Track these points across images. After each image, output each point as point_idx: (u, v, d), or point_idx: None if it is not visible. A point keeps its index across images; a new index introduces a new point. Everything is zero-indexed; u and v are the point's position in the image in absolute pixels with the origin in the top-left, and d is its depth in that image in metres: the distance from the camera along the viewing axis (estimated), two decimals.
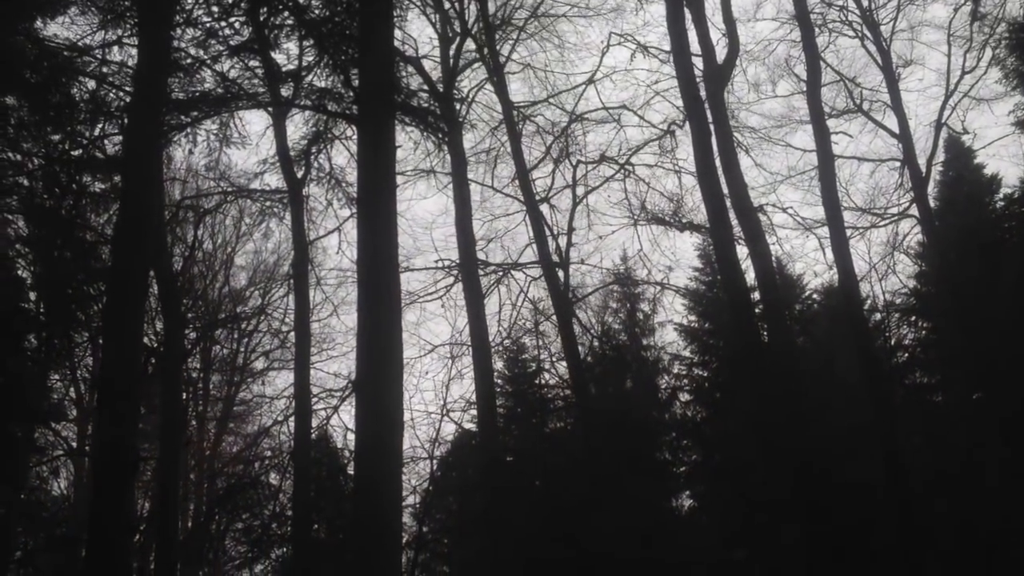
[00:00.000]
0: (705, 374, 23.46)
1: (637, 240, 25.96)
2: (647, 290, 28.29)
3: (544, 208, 20.61)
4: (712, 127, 16.61)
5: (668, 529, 17.30)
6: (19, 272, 16.05)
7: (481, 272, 20.11)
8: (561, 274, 19.97)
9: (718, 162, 16.44)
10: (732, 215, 16.52)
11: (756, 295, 17.59)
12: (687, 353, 24.37)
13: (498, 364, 19.58)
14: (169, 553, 17.40)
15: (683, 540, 17.06)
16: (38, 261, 16.50)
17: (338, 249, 21.23)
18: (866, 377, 16.85)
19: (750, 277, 16.95)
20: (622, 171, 20.99)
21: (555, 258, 20.06)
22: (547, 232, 20.06)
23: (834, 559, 12.81)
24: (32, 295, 16.40)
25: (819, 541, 13.21)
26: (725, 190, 16.53)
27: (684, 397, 23.52)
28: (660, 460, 21.01)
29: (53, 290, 16.42)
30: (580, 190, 20.96)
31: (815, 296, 24.40)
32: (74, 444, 20.74)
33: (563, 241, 20.17)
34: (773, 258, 17.76)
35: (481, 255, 20.47)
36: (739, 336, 16.57)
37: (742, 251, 16.49)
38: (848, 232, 19.36)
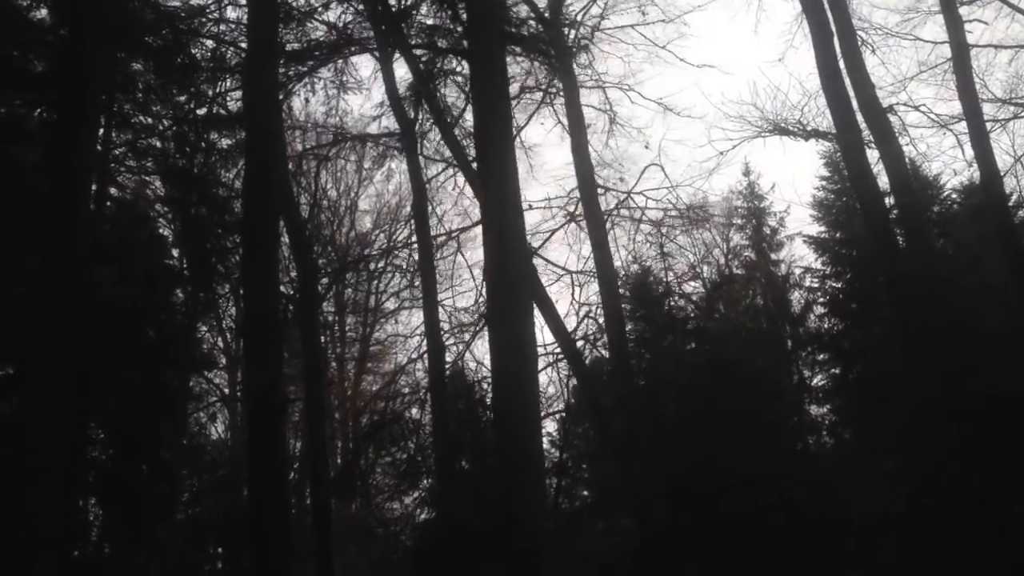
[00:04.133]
0: (839, 285, 22.74)
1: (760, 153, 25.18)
2: (773, 204, 27.60)
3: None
4: (833, 26, 15.83)
5: (809, 445, 17.03)
6: (161, 231, 16.82)
7: (601, 197, 19.93)
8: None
9: (841, 64, 15.69)
10: (859, 118, 15.85)
11: (890, 200, 16.83)
12: (818, 265, 23.66)
13: (624, 289, 19.47)
14: (322, 489, 18.27)
15: (826, 455, 16.78)
16: (177, 219, 17.24)
17: (455, 186, 21.37)
18: (1015, 279, 16.02)
19: (882, 181, 16.22)
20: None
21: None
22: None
23: (987, 464, 12.38)
24: (175, 252, 17.20)
25: (970, 448, 12.78)
26: (851, 92, 15.83)
27: (818, 310, 22.91)
28: (798, 376, 20.61)
29: (193, 246, 17.19)
30: None
31: (954, 196, 23.17)
32: (226, 391, 21.86)
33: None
34: (906, 159, 16.94)
35: (600, 181, 20.25)
36: (874, 243, 15.99)
37: (872, 155, 15.79)
38: (988, 125, 18.20)
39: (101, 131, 13.67)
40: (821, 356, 21.83)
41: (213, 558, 19.14)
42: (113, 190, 15.32)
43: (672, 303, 16.74)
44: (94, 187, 12.92)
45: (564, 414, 14.87)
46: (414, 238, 20.64)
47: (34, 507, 9.63)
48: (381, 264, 24.69)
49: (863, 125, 15.69)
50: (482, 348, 18.74)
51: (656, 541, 11.46)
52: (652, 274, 19.34)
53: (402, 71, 18.99)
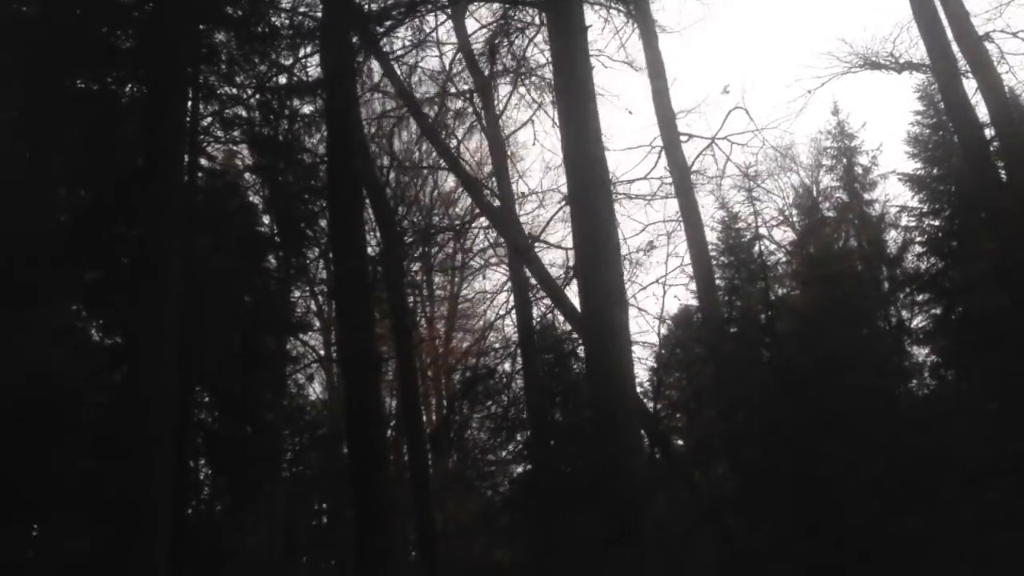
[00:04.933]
0: (937, 223, 21.90)
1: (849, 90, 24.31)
2: (864, 143, 26.71)
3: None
4: None
5: (911, 387, 16.58)
6: (251, 199, 17.19)
7: (684, 143, 19.60)
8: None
9: None
10: (955, 48, 15.20)
11: (989, 131, 16.11)
12: (915, 203, 22.82)
13: (712, 236, 19.18)
14: (418, 445, 18.65)
15: (929, 397, 16.33)
16: (265, 186, 17.58)
17: (534, 140, 21.31)
18: None
19: (980, 112, 15.55)
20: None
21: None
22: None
23: None
24: (265, 219, 17.57)
25: None
26: (944, 21, 15.18)
27: (916, 250, 22.14)
28: (896, 317, 20.03)
29: (282, 212, 17.54)
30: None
31: None
32: (322, 352, 22.40)
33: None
34: (1006, 89, 16.17)
35: (682, 127, 19.90)
36: (974, 177, 15.39)
37: (969, 85, 15.14)
38: None
39: (189, 103, 13.97)
40: (921, 297, 21.15)
41: (317, 513, 19.80)
42: (203, 161, 15.69)
43: (762, 249, 16.40)
44: (186, 158, 13.25)
45: (656, 364, 14.83)
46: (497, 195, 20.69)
47: (151, 468, 10.07)
48: (466, 223, 24.84)
49: (958, 55, 15.07)
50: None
51: (754, 488, 11.37)
52: (740, 220, 18.98)
53: (476, 27, 18.93)
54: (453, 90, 20.54)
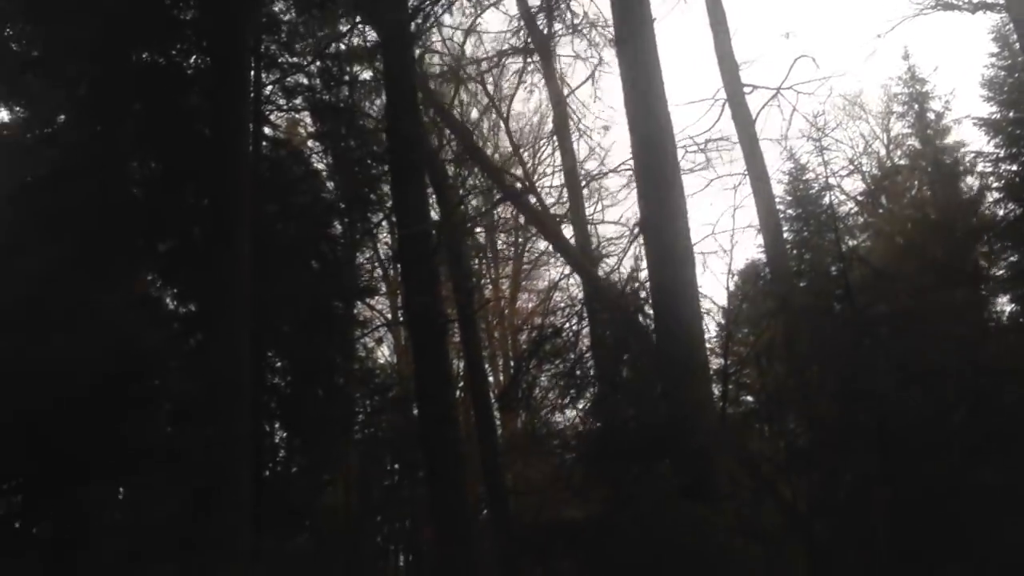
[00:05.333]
0: (1014, 168, 21.15)
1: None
2: (936, 87, 25.84)
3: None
4: None
5: (992, 336, 16.12)
6: (315, 165, 17.37)
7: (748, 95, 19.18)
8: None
9: None
10: None
11: None
12: (991, 148, 22.04)
13: (779, 188, 18.81)
14: (485, 404, 18.82)
15: (1010, 345, 15.85)
16: (328, 153, 17.75)
17: (594, 98, 21.07)
18: None
19: None
20: None
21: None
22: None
23: None
24: (329, 185, 17.75)
25: None
26: None
27: (993, 196, 21.43)
28: (974, 265, 19.47)
29: (345, 178, 17.71)
30: None
31: None
32: (389, 316, 22.67)
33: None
34: None
35: (746, 79, 19.45)
36: None
37: None
38: None
39: (251, 73, 14.12)
40: (999, 244, 20.52)
41: (390, 473, 20.14)
42: (267, 129, 15.87)
43: (832, 199, 16.00)
44: (250, 128, 13.41)
45: (724, 320, 14.62)
46: (558, 154, 20.60)
47: (229, 432, 10.35)
48: (527, 183, 24.76)
49: None
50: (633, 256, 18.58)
51: (829, 440, 11.23)
52: (808, 171, 18.57)
53: None
54: (511, 49, 20.38)
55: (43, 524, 11.65)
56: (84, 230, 11.23)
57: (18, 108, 13.65)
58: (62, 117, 13.27)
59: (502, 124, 22.52)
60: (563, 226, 21.20)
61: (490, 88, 22.12)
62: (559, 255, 19.89)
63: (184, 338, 13.14)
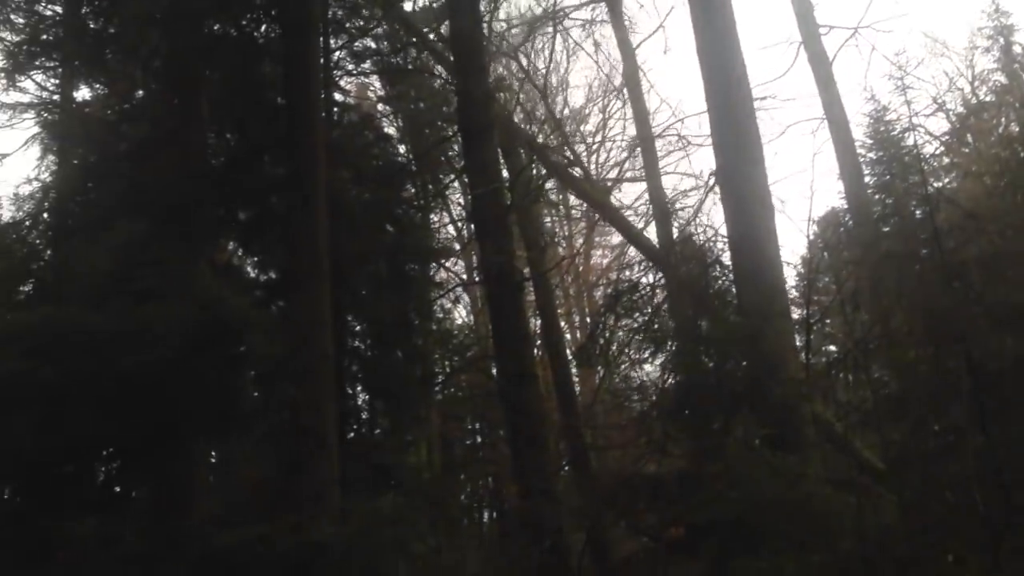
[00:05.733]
0: None
1: None
2: (1022, 20, 24.68)
3: None
4: None
5: None
6: (386, 129, 17.45)
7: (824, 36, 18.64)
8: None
9: None
10: None
11: None
12: None
13: (858, 132, 18.25)
14: (563, 361, 18.88)
15: None
16: (399, 115, 17.81)
17: (664, 49, 20.72)
18: None
19: None
20: None
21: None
22: None
23: None
24: (401, 148, 17.84)
25: None
26: None
27: None
28: None
29: (417, 140, 17.77)
30: None
31: None
32: (464, 276, 22.80)
33: None
34: None
35: (821, 20, 18.87)
36: None
37: None
38: None
39: (320, 38, 14.18)
40: None
41: (471, 432, 20.40)
42: (338, 95, 15.98)
43: (915, 140, 15.44)
44: (322, 94, 13.50)
45: (805, 268, 14.32)
46: (628, 108, 20.34)
47: (315, 395, 10.58)
48: (599, 138, 24.58)
49: None
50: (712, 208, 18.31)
51: (917, 390, 10.97)
52: (889, 112, 17.93)
53: None
54: (579, 3, 20.14)
55: (141, 488, 12.09)
56: (167, 202, 11.50)
57: (98, 85, 14.00)
58: (140, 92, 13.56)
59: (569, 80, 22.23)
60: (637, 182, 21.03)
61: (558, 44, 21.93)
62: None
63: (266, 304, 13.40)
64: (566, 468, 17.02)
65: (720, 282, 12.62)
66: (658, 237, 17.35)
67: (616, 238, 24.47)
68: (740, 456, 8.50)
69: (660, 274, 14.60)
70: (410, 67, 17.57)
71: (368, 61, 16.66)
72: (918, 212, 13.69)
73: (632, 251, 19.36)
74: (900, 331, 11.71)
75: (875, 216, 16.26)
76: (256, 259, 14.35)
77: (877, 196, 17.48)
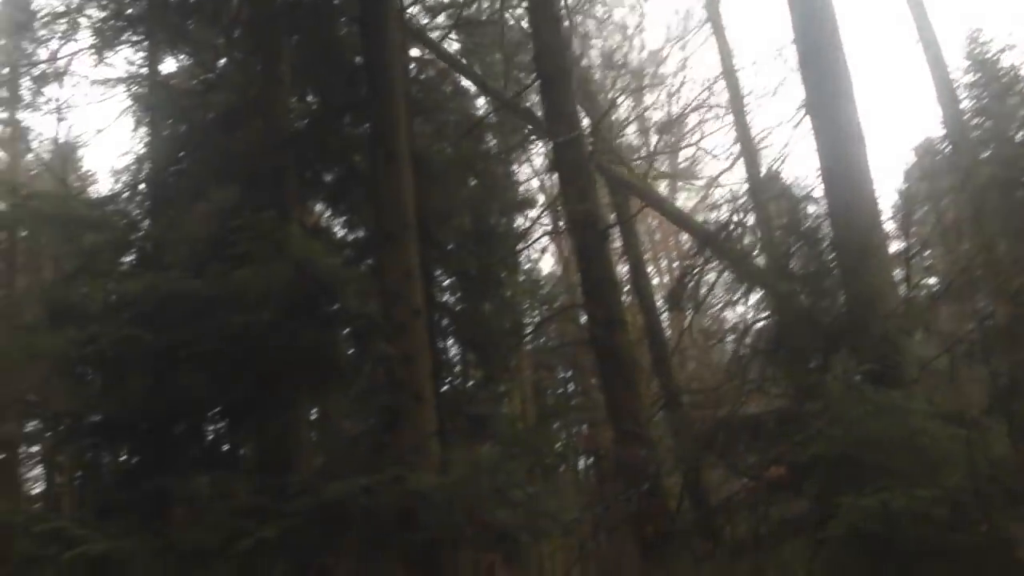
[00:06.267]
0: None
1: None
2: None
3: None
4: None
5: None
6: (463, 82, 17.40)
7: None
8: None
9: None
10: None
11: None
12: None
13: (953, 56, 17.48)
14: (651, 307, 18.77)
15: None
16: (476, 67, 17.71)
17: None
18: None
19: None
20: None
21: None
22: None
23: None
24: (479, 101, 17.78)
25: None
26: None
27: None
28: None
29: (494, 91, 17.67)
30: None
31: None
32: (549, 227, 22.72)
33: None
34: None
35: None
36: None
37: None
38: None
39: None
40: None
41: (563, 380, 20.49)
42: (415, 51, 15.97)
43: (1013, 61, 14.73)
44: (399, 51, 13.51)
45: (901, 199, 13.89)
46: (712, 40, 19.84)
47: (410, 349, 10.74)
48: (679, 79, 24.03)
49: None
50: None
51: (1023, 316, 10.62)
52: (985, 32, 17.12)
53: None
54: None
55: (248, 445, 12.51)
56: (255, 168, 11.75)
57: (183, 56, 14.28)
58: (223, 62, 13.79)
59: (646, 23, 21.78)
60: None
61: None
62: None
63: (357, 263, 13.61)
64: (660, 412, 16.98)
65: (811, 219, 12.34)
66: (747, 175, 17.00)
67: (701, 179, 24.03)
68: (841, 393, 8.34)
69: (750, 213, 14.33)
70: (484, 18, 17.45)
71: (443, 14, 16.60)
72: (1020, 135, 13.13)
73: (719, 191, 19.04)
74: (1005, 259, 11.30)
75: (974, 142, 15.61)
76: (344, 219, 14.56)
77: (975, 121, 16.78)
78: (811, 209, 11.87)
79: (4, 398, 17.20)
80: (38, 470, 20.26)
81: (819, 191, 11.51)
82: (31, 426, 18.40)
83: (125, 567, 9.11)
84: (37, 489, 20.18)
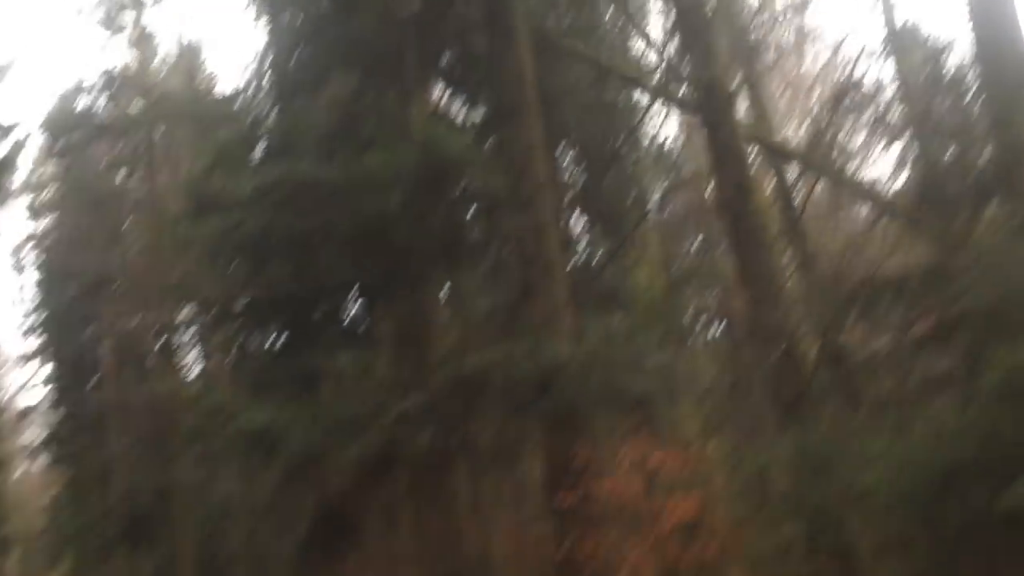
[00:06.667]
0: None
1: None
2: None
3: None
4: None
5: None
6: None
7: None
8: None
9: None
10: None
11: None
12: None
13: None
14: (781, 168, 18.09)
15: None
16: None
17: None
18: None
19: None
20: None
21: None
22: None
23: None
24: None
25: None
26: None
27: None
28: None
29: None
30: None
31: None
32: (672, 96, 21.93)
33: None
34: None
35: None
36: None
37: None
38: None
39: None
40: None
41: (692, 249, 20.10)
42: None
43: None
44: None
45: None
46: None
47: (538, 224, 10.81)
48: None
49: None
50: None
51: None
52: None
53: None
54: None
55: (385, 325, 12.94)
56: (374, 53, 11.77)
57: None
58: None
59: None
60: None
61: None
62: None
63: (480, 142, 13.62)
64: (792, 275, 16.56)
65: (955, 69, 11.58)
66: (885, 24, 15.92)
67: (829, 39, 22.55)
68: (992, 245, 7.93)
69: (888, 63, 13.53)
70: None
71: None
72: None
73: (852, 46, 17.90)
74: None
75: None
76: (464, 98, 14.51)
77: None
78: (952, 60, 11.09)
79: (159, 285, 18.26)
80: (194, 353, 21.41)
81: (961, 42, 10.73)
82: (185, 312, 19.37)
83: (282, 438, 9.75)
84: (194, 371, 21.38)
